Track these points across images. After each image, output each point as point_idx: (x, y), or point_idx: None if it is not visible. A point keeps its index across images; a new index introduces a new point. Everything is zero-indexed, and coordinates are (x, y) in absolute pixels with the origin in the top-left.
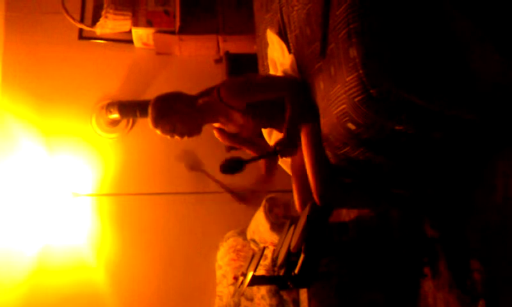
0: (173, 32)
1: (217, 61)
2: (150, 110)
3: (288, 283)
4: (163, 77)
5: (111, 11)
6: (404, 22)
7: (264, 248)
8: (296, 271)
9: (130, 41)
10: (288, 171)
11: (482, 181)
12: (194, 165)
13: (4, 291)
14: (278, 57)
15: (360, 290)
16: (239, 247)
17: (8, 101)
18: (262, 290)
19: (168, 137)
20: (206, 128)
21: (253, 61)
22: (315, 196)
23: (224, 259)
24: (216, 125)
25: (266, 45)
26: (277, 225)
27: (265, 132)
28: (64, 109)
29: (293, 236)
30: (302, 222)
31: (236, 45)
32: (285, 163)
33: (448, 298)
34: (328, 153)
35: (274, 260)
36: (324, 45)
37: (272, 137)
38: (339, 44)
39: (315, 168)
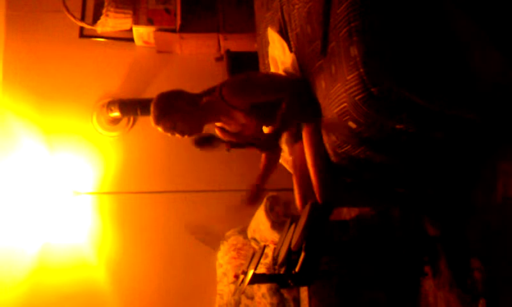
0: (173, 31)
1: (218, 59)
2: (152, 107)
3: (289, 281)
4: (164, 75)
5: (111, 9)
6: (404, 21)
7: (265, 246)
8: (297, 269)
9: (131, 40)
10: (290, 169)
11: (482, 181)
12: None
13: (5, 289)
14: (278, 56)
15: (361, 289)
16: (239, 245)
17: (8, 99)
18: (263, 288)
19: (169, 134)
20: (207, 126)
21: (254, 60)
22: (316, 194)
23: (224, 258)
24: (218, 123)
25: (267, 43)
26: (278, 223)
27: (266, 130)
28: (65, 107)
29: (294, 235)
30: (303, 220)
31: (237, 44)
32: (286, 161)
33: (448, 297)
34: (329, 151)
35: (274, 258)
36: (324, 43)
37: None
38: (340, 42)
39: (317, 166)
